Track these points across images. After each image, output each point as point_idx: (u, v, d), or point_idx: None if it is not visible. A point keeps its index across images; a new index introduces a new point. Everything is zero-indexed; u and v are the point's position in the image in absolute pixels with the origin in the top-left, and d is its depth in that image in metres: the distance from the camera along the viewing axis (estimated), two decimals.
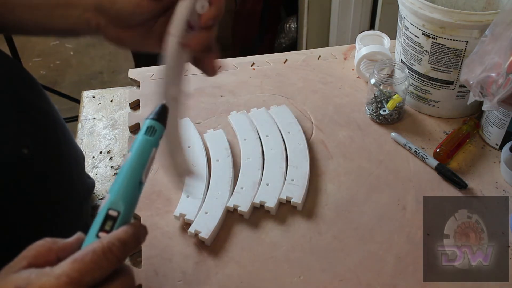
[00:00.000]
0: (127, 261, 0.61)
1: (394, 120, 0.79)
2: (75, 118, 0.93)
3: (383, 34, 0.88)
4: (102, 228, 0.38)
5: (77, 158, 0.66)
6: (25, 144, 0.53)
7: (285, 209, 0.67)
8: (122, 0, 0.47)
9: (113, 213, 0.38)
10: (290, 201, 0.66)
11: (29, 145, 0.53)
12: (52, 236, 0.39)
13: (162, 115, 0.42)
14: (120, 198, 0.39)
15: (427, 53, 0.74)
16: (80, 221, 0.62)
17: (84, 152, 0.77)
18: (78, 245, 0.38)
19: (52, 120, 0.60)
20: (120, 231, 0.38)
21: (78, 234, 0.39)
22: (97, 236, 0.38)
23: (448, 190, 0.69)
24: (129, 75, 0.90)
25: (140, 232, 0.39)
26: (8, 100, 0.53)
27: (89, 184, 0.70)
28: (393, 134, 0.76)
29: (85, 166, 0.75)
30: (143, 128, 0.41)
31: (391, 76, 0.83)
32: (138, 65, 1.65)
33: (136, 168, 0.40)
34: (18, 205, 0.52)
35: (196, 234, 0.62)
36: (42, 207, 0.55)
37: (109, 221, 0.38)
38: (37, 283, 0.34)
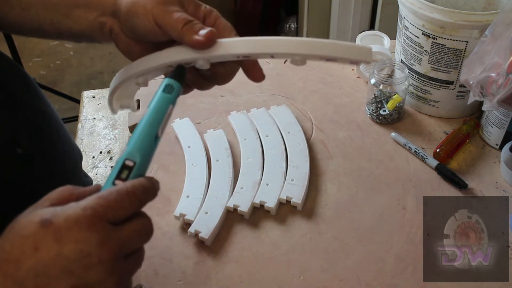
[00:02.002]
0: None
1: (394, 120, 0.79)
2: (75, 118, 0.93)
3: (383, 34, 0.89)
4: (118, 176, 0.40)
5: (74, 157, 0.66)
6: (19, 144, 0.53)
7: (285, 209, 0.67)
8: (138, 19, 0.46)
9: (129, 163, 0.40)
10: (290, 201, 0.66)
11: (24, 145, 0.53)
12: None
13: (179, 74, 0.45)
14: (136, 150, 0.41)
15: (427, 53, 0.74)
16: None
17: (84, 152, 0.77)
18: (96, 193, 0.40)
19: (47, 119, 0.60)
20: (142, 179, 0.40)
21: (96, 184, 0.41)
22: (113, 184, 0.40)
23: (448, 190, 0.69)
24: None
25: (157, 185, 0.41)
26: (3, 100, 0.53)
27: (86, 182, 0.70)
28: (393, 134, 0.76)
29: (85, 166, 0.75)
30: (161, 86, 0.44)
31: (391, 76, 0.83)
32: None
33: (153, 122, 0.42)
34: (12, 204, 0.52)
35: (196, 234, 0.62)
36: None
37: (125, 170, 0.40)
38: (63, 214, 0.36)
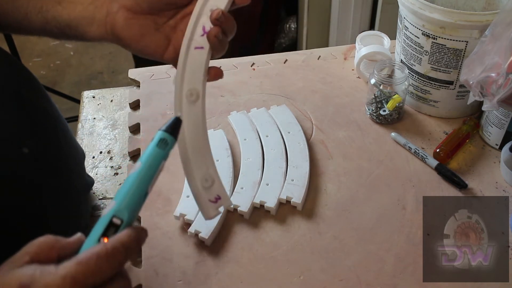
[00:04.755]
0: (128, 262, 0.61)
1: (394, 120, 0.79)
2: (75, 118, 0.93)
3: (383, 34, 0.88)
4: (104, 234, 0.39)
5: (77, 157, 0.66)
6: (26, 144, 0.53)
7: (285, 209, 0.67)
8: None
9: (116, 221, 0.39)
10: (290, 201, 0.66)
11: (30, 145, 0.53)
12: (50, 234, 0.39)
13: (175, 128, 0.43)
14: (125, 207, 0.40)
15: (427, 53, 0.74)
16: (78, 219, 0.62)
17: (84, 152, 0.77)
18: (78, 246, 0.39)
19: (52, 119, 0.60)
20: (123, 235, 0.39)
21: (79, 235, 0.40)
22: (98, 241, 0.39)
23: (448, 190, 0.69)
24: (129, 75, 0.90)
25: (141, 236, 0.40)
26: (9, 99, 0.53)
27: (89, 183, 0.70)
28: (393, 134, 0.76)
29: (86, 166, 0.75)
30: (154, 140, 0.42)
31: (391, 76, 0.83)
32: (138, 65, 1.65)
33: (144, 179, 0.41)
34: (17, 203, 0.52)
35: (196, 234, 0.62)
36: (40, 206, 0.55)
37: (112, 228, 0.39)
38: (42, 282, 0.35)
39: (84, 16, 0.50)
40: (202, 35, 0.49)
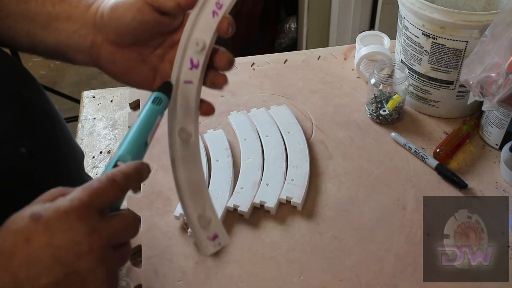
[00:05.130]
0: (128, 262, 0.61)
1: (394, 120, 0.79)
2: (75, 118, 0.93)
3: (383, 34, 0.88)
4: None
5: (76, 157, 0.66)
6: (24, 143, 0.53)
7: (285, 209, 0.67)
8: (123, 5, 0.46)
9: (121, 164, 0.42)
10: (290, 201, 0.66)
11: (28, 145, 0.53)
12: None
13: (166, 88, 0.47)
14: (128, 153, 0.43)
15: (427, 53, 0.74)
16: None
17: (84, 152, 0.77)
18: None
19: (51, 119, 0.60)
20: (122, 165, 0.42)
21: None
22: None
23: (448, 190, 0.69)
24: None
25: (142, 169, 0.42)
26: (8, 99, 0.53)
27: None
28: (393, 134, 0.76)
29: (86, 166, 0.75)
30: (150, 98, 0.46)
31: (391, 76, 0.83)
32: None
33: (143, 129, 0.44)
34: (15, 204, 0.52)
35: None
36: None
37: None
38: (52, 207, 0.37)
39: (69, 44, 0.49)
40: (191, 68, 0.48)
